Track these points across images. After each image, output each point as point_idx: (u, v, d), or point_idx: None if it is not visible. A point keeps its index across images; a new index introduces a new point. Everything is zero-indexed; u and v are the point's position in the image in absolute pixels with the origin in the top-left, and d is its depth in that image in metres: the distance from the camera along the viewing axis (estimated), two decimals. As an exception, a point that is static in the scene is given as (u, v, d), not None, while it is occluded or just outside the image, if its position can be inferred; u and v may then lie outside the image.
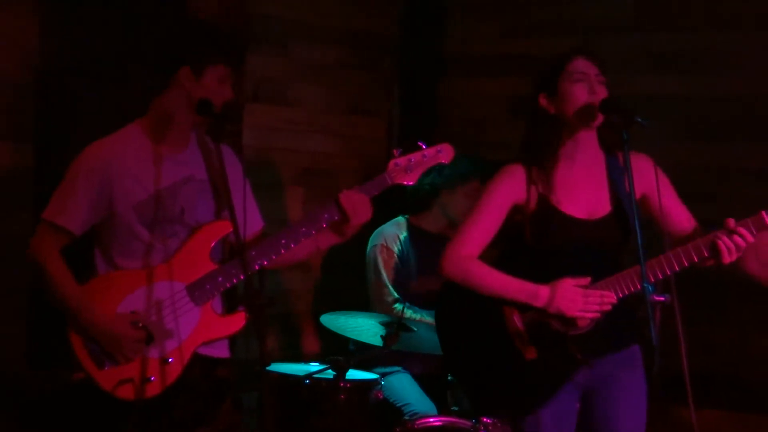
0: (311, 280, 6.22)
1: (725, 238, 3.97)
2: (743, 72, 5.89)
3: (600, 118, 4.12)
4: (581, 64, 4.14)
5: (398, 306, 5.55)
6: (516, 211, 4.21)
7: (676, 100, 6.02)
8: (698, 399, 3.86)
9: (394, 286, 5.64)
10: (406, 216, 5.79)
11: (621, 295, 4.05)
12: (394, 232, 5.74)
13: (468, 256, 4.19)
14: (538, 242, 4.15)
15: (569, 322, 4.09)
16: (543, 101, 4.19)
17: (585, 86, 4.12)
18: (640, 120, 3.95)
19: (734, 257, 3.97)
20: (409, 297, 5.57)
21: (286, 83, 6.03)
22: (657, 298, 3.83)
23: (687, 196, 4.24)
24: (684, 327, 3.82)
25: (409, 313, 5.43)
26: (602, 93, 4.12)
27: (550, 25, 6.40)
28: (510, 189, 4.21)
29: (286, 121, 6.05)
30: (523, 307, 4.14)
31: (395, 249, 5.69)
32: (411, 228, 5.75)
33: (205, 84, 4.14)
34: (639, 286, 3.98)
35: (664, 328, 3.86)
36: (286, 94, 6.05)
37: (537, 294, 4.10)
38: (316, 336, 6.17)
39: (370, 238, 5.75)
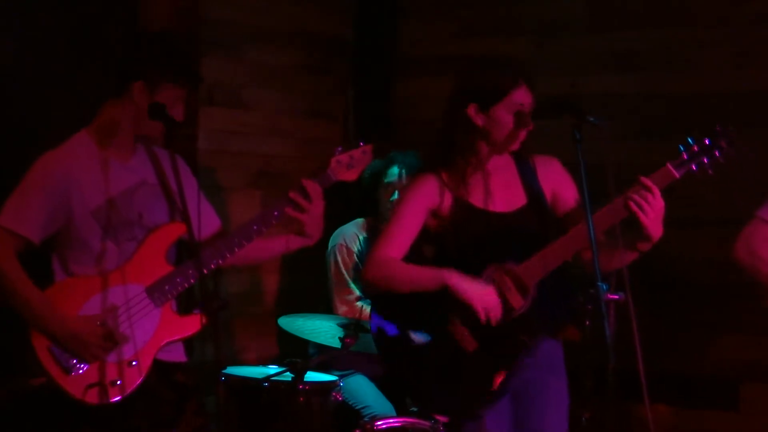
0: (269, 282, 6.22)
1: (634, 195, 4.04)
2: (699, 70, 5.92)
3: (518, 145, 4.28)
4: (522, 95, 4.25)
5: (360, 303, 5.56)
6: (433, 216, 4.32)
7: (632, 98, 6.04)
8: (652, 395, 3.89)
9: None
10: (366, 217, 5.81)
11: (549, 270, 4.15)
12: (354, 232, 5.75)
13: (386, 258, 4.29)
14: (461, 239, 4.22)
15: (505, 306, 4.18)
16: (471, 112, 4.27)
17: (519, 116, 4.23)
18: (592, 119, 3.99)
19: (648, 213, 4.01)
20: (366, 296, 5.58)
21: (240, 86, 6.02)
22: (611, 297, 3.87)
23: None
24: (641, 326, 3.85)
25: (370, 309, 5.44)
26: (530, 125, 4.25)
27: (505, 25, 6.40)
28: (423, 196, 4.33)
29: (242, 124, 6.04)
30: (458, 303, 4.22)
31: (355, 248, 5.70)
32: (370, 229, 5.77)
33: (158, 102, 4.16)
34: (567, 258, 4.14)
35: (620, 327, 3.90)
36: (241, 97, 6.04)
37: (443, 277, 4.20)
38: (275, 338, 6.16)
39: (331, 238, 5.76)
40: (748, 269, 4.64)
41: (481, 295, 4.16)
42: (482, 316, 4.15)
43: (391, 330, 4.40)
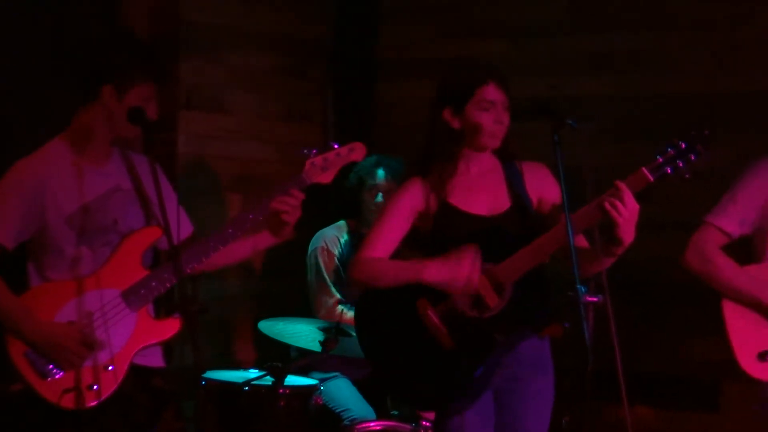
0: (249, 285, 6.20)
1: (609, 197, 4.04)
2: (678, 72, 5.93)
3: (498, 143, 4.29)
4: (491, 93, 4.26)
5: (340, 307, 5.56)
6: (420, 219, 4.34)
7: (611, 100, 6.05)
8: (632, 397, 3.90)
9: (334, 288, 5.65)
10: (346, 220, 5.80)
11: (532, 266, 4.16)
12: (335, 235, 5.75)
13: (370, 258, 4.31)
14: (443, 241, 4.24)
15: (481, 305, 4.18)
16: (447, 115, 4.31)
17: (492, 115, 4.25)
18: (570, 122, 4.00)
19: (623, 213, 4.01)
20: (346, 300, 5.58)
21: (219, 90, 6.01)
22: (589, 299, 3.87)
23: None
24: (621, 327, 3.85)
25: (351, 314, 5.44)
26: (507, 121, 4.28)
27: (485, 27, 6.41)
28: (409, 200, 4.35)
29: (221, 128, 6.03)
30: (436, 301, 4.22)
31: (335, 251, 5.70)
32: (351, 231, 5.76)
33: (129, 103, 4.16)
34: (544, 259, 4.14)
35: (599, 329, 3.90)
36: (220, 101, 6.03)
37: (421, 269, 4.19)
38: (255, 342, 6.15)
39: (311, 241, 5.76)
40: (700, 276, 4.64)
41: (453, 279, 4.16)
42: (464, 290, 4.17)
43: (377, 334, 4.40)
